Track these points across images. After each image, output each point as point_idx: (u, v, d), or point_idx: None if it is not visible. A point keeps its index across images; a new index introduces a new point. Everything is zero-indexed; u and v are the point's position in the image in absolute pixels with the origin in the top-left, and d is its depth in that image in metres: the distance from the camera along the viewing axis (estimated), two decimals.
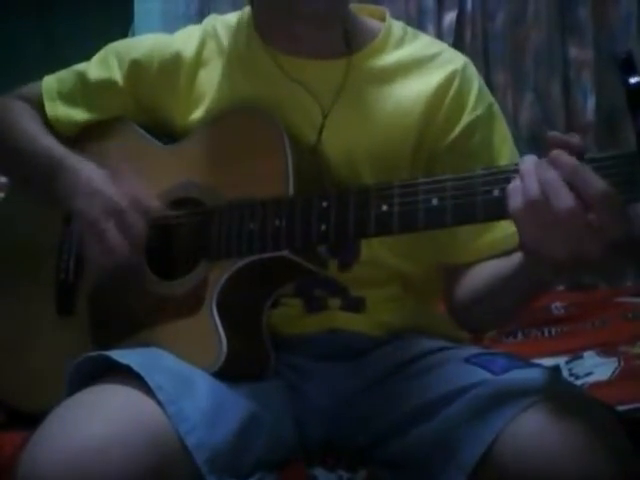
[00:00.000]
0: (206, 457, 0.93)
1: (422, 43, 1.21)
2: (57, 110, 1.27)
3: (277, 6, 1.15)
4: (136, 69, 1.23)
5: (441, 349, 1.14)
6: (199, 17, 2.59)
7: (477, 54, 2.57)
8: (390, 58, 1.18)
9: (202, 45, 1.22)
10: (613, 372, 1.55)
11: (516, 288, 1.02)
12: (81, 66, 1.29)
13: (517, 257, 0.97)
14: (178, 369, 1.01)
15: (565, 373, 1.58)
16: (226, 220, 1.08)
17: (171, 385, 0.96)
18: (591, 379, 1.52)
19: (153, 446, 0.89)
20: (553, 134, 0.87)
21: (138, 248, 1.08)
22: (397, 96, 1.16)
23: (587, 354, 1.67)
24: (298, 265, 1.06)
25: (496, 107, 1.21)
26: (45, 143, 1.21)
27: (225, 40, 1.22)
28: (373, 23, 1.22)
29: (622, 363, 1.58)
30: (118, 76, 1.23)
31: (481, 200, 0.91)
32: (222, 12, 1.33)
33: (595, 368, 1.58)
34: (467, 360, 1.07)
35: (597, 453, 0.88)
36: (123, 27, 2.70)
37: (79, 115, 1.26)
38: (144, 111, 1.24)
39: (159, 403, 0.92)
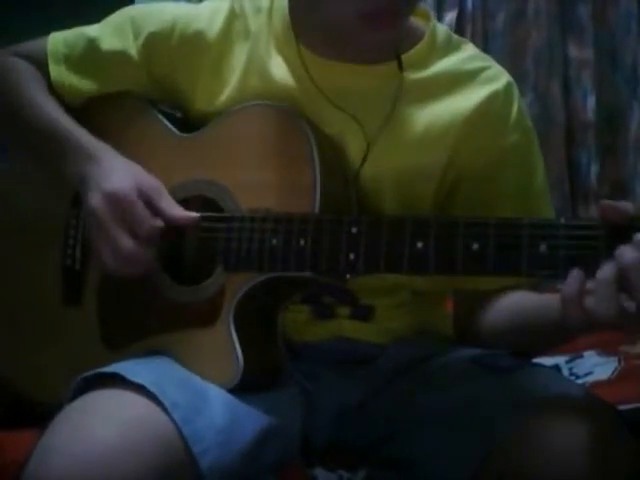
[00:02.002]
0: (217, 477, 0.91)
1: (465, 55, 1.13)
2: (62, 76, 1.18)
3: (329, 35, 1.07)
4: (153, 43, 1.14)
5: (446, 350, 1.13)
6: None
7: None
8: (432, 69, 1.10)
9: (228, 26, 1.12)
10: (613, 372, 1.54)
11: (545, 332, 0.99)
12: (93, 31, 1.18)
13: (548, 300, 0.91)
14: (192, 382, 0.98)
15: (565, 373, 1.57)
16: (247, 231, 1.01)
17: (185, 401, 0.93)
18: (591, 379, 1.51)
19: (161, 452, 0.88)
20: (604, 203, 0.83)
21: (150, 262, 1.04)
22: (433, 116, 1.08)
23: (587, 354, 1.66)
24: (319, 280, 1.01)
25: (533, 133, 1.14)
26: (56, 116, 1.13)
27: (253, 23, 1.13)
28: (416, 23, 1.14)
29: (622, 363, 1.58)
30: (133, 49, 1.14)
31: (526, 254, 0.86)
32: None
33: (595, 368, 1.57)
34: (472, 360, 1.07)
35: (602, 454, 0.88)
36: None
37: (86, 86, 1.17)
38: (158, 88, 1.16)
39: (174, 422, 0.90)
